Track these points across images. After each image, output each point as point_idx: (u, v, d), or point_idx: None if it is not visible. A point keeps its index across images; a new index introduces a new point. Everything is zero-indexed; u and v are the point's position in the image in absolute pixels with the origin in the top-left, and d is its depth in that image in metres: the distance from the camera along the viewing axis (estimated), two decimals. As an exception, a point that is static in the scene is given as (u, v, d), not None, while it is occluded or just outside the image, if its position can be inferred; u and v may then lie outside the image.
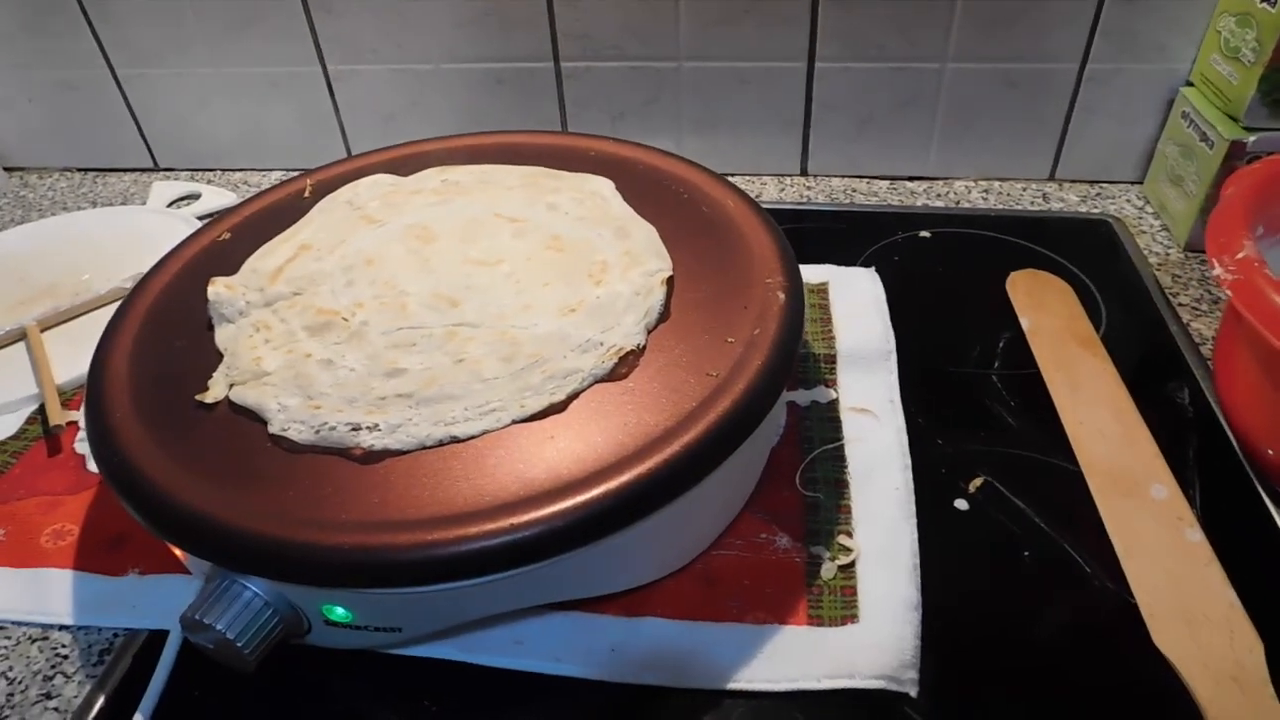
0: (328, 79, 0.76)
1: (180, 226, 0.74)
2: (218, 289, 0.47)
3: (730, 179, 0.55)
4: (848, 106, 0.71)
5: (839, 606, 0.41)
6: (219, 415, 0.41)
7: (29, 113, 0.84)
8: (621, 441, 0.38)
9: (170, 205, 0.79)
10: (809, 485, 0.47)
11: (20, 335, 0.63)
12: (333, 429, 0.39)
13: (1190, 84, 0.66)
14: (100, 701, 0.40)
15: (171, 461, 0.38)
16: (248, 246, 0.52)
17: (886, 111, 0.71)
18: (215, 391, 0.42)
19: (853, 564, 0.43)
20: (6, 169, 0.87)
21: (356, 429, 0.38)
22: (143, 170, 0.86)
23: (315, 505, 0.36)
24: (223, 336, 0.45)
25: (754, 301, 0.45)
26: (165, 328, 0.47)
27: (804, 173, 0.76)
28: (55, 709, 0.40)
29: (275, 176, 0.82)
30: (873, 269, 0.62)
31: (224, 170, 0.84)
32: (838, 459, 0.49)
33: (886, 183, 0.74)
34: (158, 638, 0.42)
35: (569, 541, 0.35)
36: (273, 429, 0.39)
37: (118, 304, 0.65)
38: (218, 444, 0.39)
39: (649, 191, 0.54)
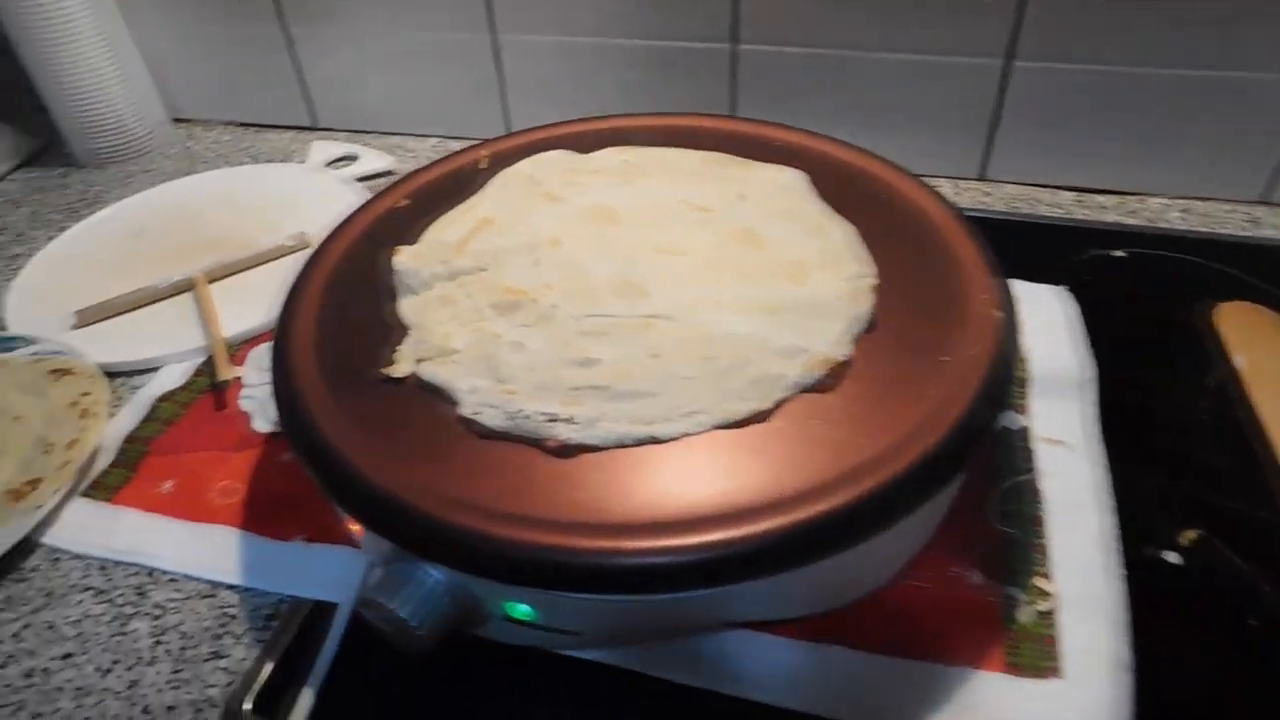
0: (496, 47, 0.75)
1: (339, 188, 0.74)
2: (405, 259, 0.46)
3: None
4: (1042, 109, 0.66)
5: (1040, 656, 0.38)
6: (407, 391, 0.40)
7: (200, 67, 0.86)
8: (833, 460, 0.35)
9: (329, 165, 0.79)
10: (1001, 519, 0.44)
11: (188, 286, 0.64)
12: (527, 417, 0.37)
13: None
14: (267, 669, 0.39)
15: (361, 436, 0.37)
16: (424, 215, 0.51)
17: (1083, 117, 0.66)
18: (403, 366, 0.40)
19: (1052, 611, 0.39)
20: (175, 121, 0.89)
21: (553, 419, 0.37)
22: (301, 129, 0.87)
23: (510, 497, 0.34)
24: (407, 308, 0.44)
25: (966, 318, 0.41)
26: (347, 294, 0.46)
27: (982, 177, 0.71)
28: (224, 669, 0.40)
29: (431, 143, 0.82)
30: (1064, 288, 0.58)
31: (380, 133, 0.84)
32: (1031, 492, 0.45)
33: (1073, 194, 0.69)
34: (323, 608, 0.42)
35: (776, 564, 0.33)
36: (463, 411, 0.38)
37: (282, 260, 0.66)
38: (406, 421, 0.38)
39: (839, 188, 0.51)
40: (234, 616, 0.42)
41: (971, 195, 0.70)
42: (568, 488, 0.35)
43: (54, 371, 0.55)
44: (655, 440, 0.36)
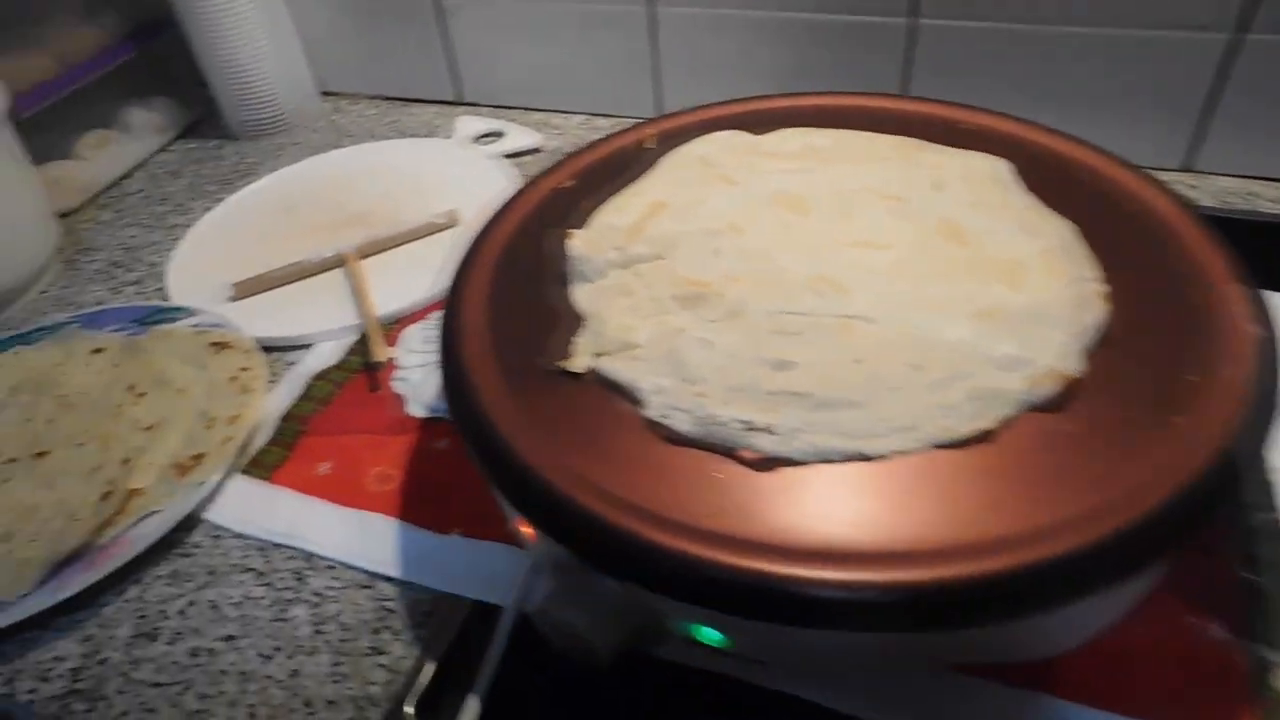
0: (653, 19, 0.71)
1: (487, 164, 0.72)
2: (579, 244, 0.43)
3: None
4: (1274, 91, 0.58)
5: (1305, 733, 0.33)
6: (586, 387, 0.37)
7: (349, 40, 0.86)
8: (1069, 494, 0.30)
9: (474, 141, 0.77)
10: (1244, 564, 0.38)
11: (340, 261, 0.63)
12: (722, 424, 0.34)
13: None
14: (429, 671, 0.38)
15: (539, 435, 0.35)
16: (592, 196, 0.48)
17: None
18: (581, 359, 0.38)
19: (1322, 682, 0.34)
20: (322, 94, 0.89)
21: (750, 428, 0.33)
22: (445, 103, 0.85)
23: (705, 513, 0.31)
24: (582, 296, 0.41)
25: (1216, 333, 0.36)
26: (516, 279, 0.44)
27: (1187, 168, 0.64)
28: (384, 666, 0.38)
29: (577, 120, 0.79)
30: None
31: (524, 109, 0.82)
32: (1277, 536, 0.39)
33: (1298, 190, 0.61)
34: (483, 608, 0.40)
35: (1004, 610, 0.29)
36: (649, 413, 0.35)
37: (431, 237, 0.65)
38: (586, 421, 0.35)
39: (1050, 180, 0.45)
40: (392, 611, 0.41)
41: (1174, 188, 0.63)
42: (768, 505, 0.31)
43: (214, 344, 0.55)
44: (863, 457, 0.32)
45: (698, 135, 0.52)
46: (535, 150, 0.75)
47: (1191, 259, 0.40)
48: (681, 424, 0.34)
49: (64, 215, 0.76)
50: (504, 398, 0.37)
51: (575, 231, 0.44)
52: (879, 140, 0.50)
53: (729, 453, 0.33)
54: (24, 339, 0.60)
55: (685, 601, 0.31)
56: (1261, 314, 0.37)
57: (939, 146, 0.48)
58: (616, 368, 0.37)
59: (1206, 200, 0.62)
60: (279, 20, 0.81)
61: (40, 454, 0.50)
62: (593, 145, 0.53)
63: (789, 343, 0.37)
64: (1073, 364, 0.35)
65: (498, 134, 0.78)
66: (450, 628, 0.39)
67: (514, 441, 0.35)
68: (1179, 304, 0.38)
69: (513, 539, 0.42)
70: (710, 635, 0.33)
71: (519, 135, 0.76)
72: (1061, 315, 0.37)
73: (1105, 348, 0.36)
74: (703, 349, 0.37)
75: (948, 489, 0.31)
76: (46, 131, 0.77)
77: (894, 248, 0.41)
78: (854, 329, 0.37)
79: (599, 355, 0.38)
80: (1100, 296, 0.37)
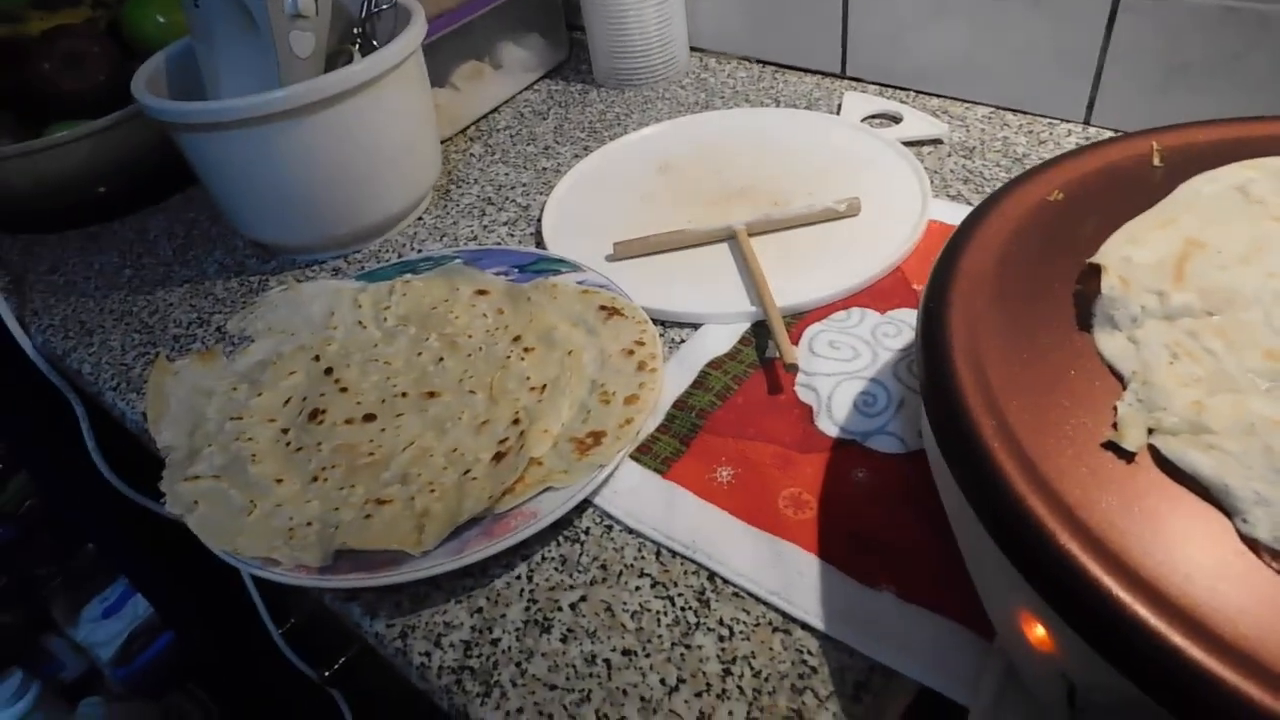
0: (1113, 7, 0.60)
1: (884, 149, 0.65)
2: (1114, 281, 0.35)
3: None
4: None
5: None
6: (1141, 471, 0.29)
7: (733, -5, 0.80)
8: None
9: (864, 121, 0.70)
10: None
11: (727, 235, 0.58)
12: (1380, 577, 0.25)
13: None
14: (869, 761, 0.32)
15: (1089, 529, 0.27)
16: (1089, 217, 0.40)
17: None
18: (1133, 434, 0.30)
19: None
20: (690, 49, 0.85)
21: None
22: (827, 75, 0.78)
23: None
24: (1114, 348, 0.33)
25: None
26: (1013, 308, 0.36)
27: None
28: (809, 738, 0.33)
29: (983, 113, 0.69)
30: None
31: (916, 92, 0.73)
32: None
33: None
34: (932, 698, 0.33)
35: None
36: (1250, 530, 0.27)
37: (826, 224, 0.59)
38: (1151, 519, 0.28)
39: None
40: (815, 670, 0.35)
41: None
42: None
43: (603, 308, 0.52)
44: None
45: (1220, 157, 0.42)
46: (937, 141, 0.66)
47: None
48: (1310, 560, 0.26)
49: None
50: (1026, 459, 0.30)
51: (1109, 267, 0.36)
52: None
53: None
54: (409, 266, 0.60)
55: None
56: None
57: None
58: (1192, 456, 0.29)
59: None
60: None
61: (430, 394, 0.49)
62: (1077, 153, 0.44)
63: None
64: None
65: (891, 117, 0.70)
66: (891, 712, 0.33)
67: (1052, 523, 0.27)
68: None
69: (964, 616, 0.35)
70: None
71: (918, 121, 0.68)
72: None
73: None
74: (1305, 457, 0.28)
75: None
76: (430, 59, 0.77)
77: None
78: None
79: (1155, 432, 0.30)
80: None
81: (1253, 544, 0.27)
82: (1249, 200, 0.39)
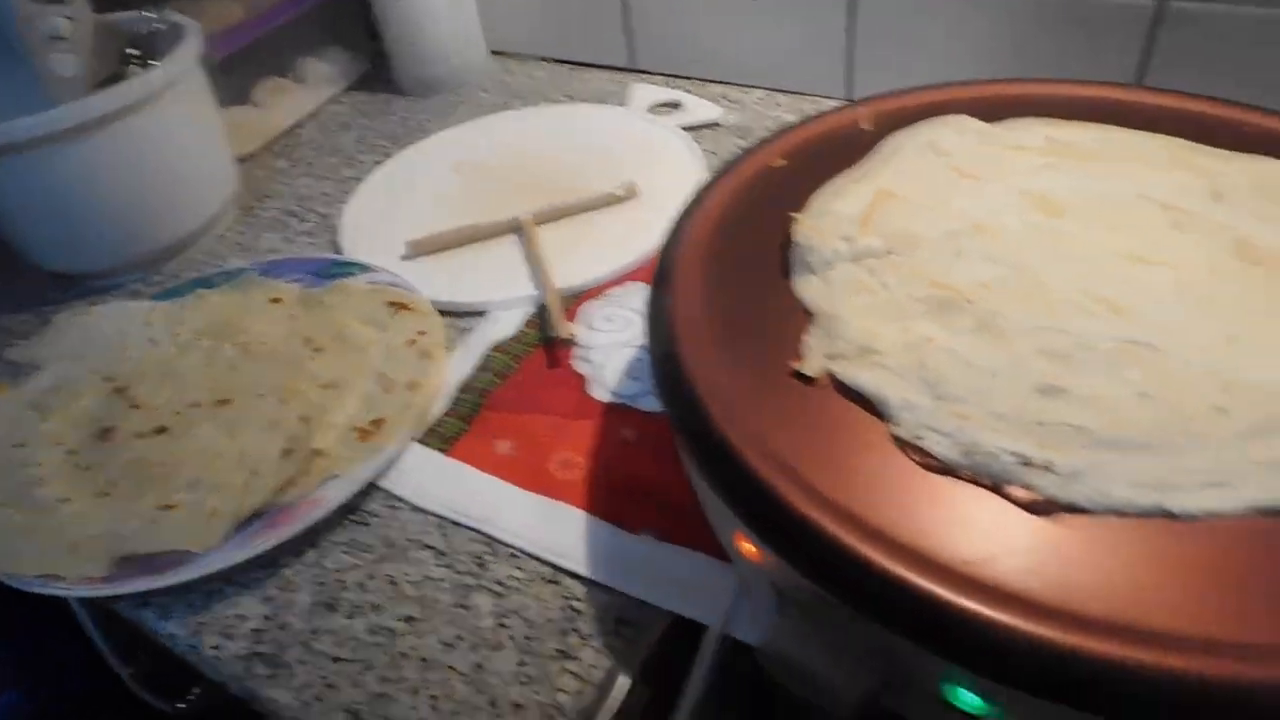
0: (852, -3, 0.66)
1: (665, 135, 0.69)
2: (807, 231, 0.39)
3: None
4: None
5: None
6: (819, 392, 0.33)
7: (522, 0, 0.83)
8: None
9: (650, 110, 0.74)
10: None
11: (514, 227, 0.61)
12: (991, 455, 0.29)
13: None
14: (622, 686, 0.35)
15: (775, 447, 0.31)
16: (805, 179, 0.44)
17: None
18: (814, 362, 0.34)
19: None
20: (491, 53, 0.88)
21: (1025, 463, 0.29)
22: (619, 69, 0.82)
23: (981, 560, 0.27)
24: (809, 289, 0.38)
25: None
26: (730, 264, 0.40)
27: None
28: (573, 673, 0.36)
29: (758, 95, 0.75)
30: None
31: (700, 80, 0.78)
32: None
33: None
34: (683, 623, 0.37)
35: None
36: (900, 432, 0.31)
37: (608, 209, 0.62)
38: (826, 432, 0.32)
39: (1355, 195, 0.39)
40: (580, 612, 0.38)
41: None
42: (1051, 559, 0.27)
43: (392, 304, 0.54)
44: (1167, 514, 0.28)
45: (920, 119, 0.47)
46: (715, 124, 0.71)
47: None
48: (940, 448, 0.30)
49: (240, 161, 0.77)
50: (727, 397, 0.33)
51: (801, 217, 0.40)
52: (1140, 138, 0.44)
53: (996, 489, 0.29)
54: (205, 283, 0.60)
55: (954, 661, 0.27)
56: None
57: (1217, 150, 0.42)
58: (859, 375, 0.33)
59: None
60: (457, -26, 0.79)
61: (222, 401, 0.50)
62: (801, 123, 0.49)
63: (1057, 366, 0.32)
64: None
65: (675, 104, 0.74)
66: (645, 640, 0.37)
67: (746, 453, 0.31)
68: None
69: (712, 548, 0.39)
70: (972, 703, 0.29)
71: (698, 107, 0.72)
72: (1397, 362, 0.31)
73: None
74: (957, 363, 0.33)
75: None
76: (228, 76, 0.77)
77: (1175, 266, 0.36)
78: (1135, 357, 0.32)
79: (833, 358, 0.34)
80: None
81: (902, 444, 0.31)
82: (938, 153, 0.45)
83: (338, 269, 0.59)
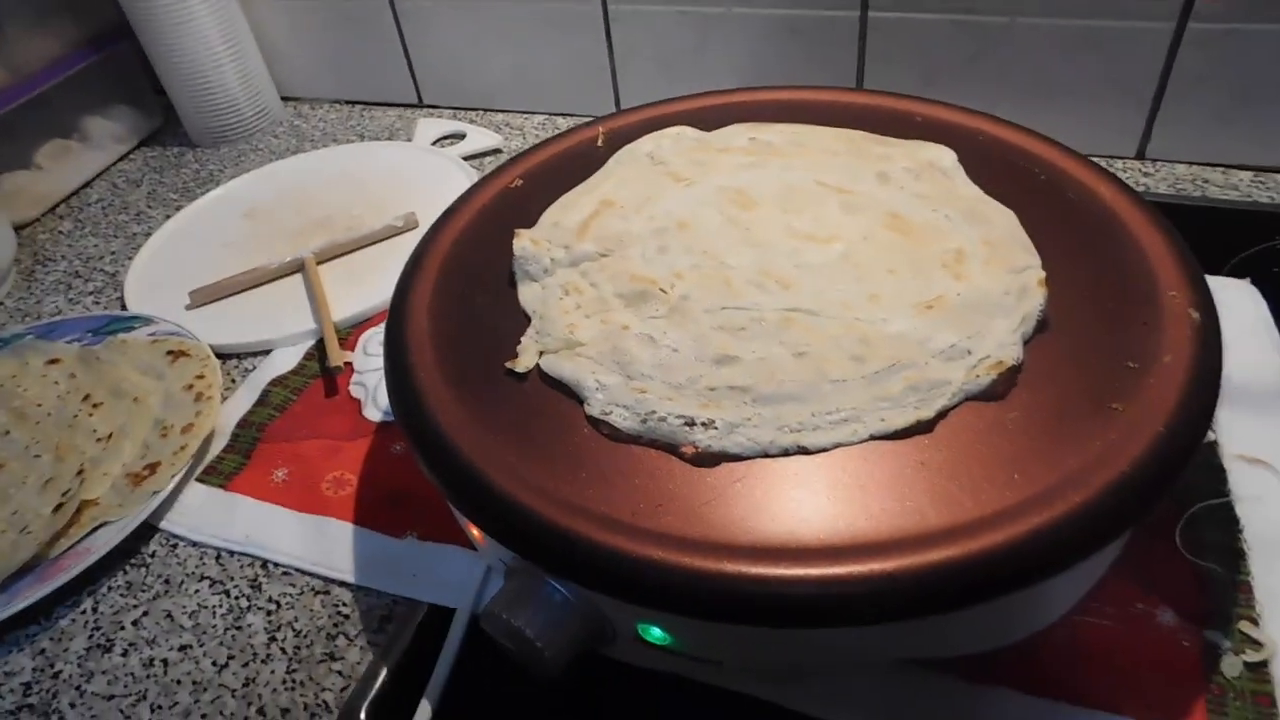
0: (606, 19, 0.71)
1: (447, 166, 0.72)
2: (524, 243, 0.43)
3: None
4: (1219, 78, 0.58)
5: (1252, 717, 0.33)
6: (531, 386, 0.37)
7: (309, 46, 0.85)
8: (1011, 482, 0.31)
9: (435, 143, 0.77)
10: (1194, 549, 0.38)
11: (298, 267, 0.63)
12: (662, 420, 0.34)
13: None
14: (383, 675, 0.38)
15: (483, 435, 0.35)
16: (541, 196, 0.48)
17: (1269, 86, 0.58)
18: (526, 359, 0.38)
19: (1266, 663, 0.34)
20: (283, 98, 0.89)
21: (689, 424, 0.33)
22: (407, 106, 0.85)
23: (646, 511, 0.31)
24: (528, 296, 0.41)
25: (1156, 318, 0.36)
26: (463, 280, 0.44)
27: (1141, 155, 0.64)
28: (339, 672, 0.38)
29: (538, 120, 0.79)
30: (1248, 281, 0.51)
31: (485, 110, 0.82)
32: (1228, 520, 0.40)
33: (1249, 174, 0.62)
34: (439, 612, 0.40)
35: (954, 599, 0.29)
36: (591, 410, 0.35)
37: (390, 240, 0.65)
38: (532, 420, 0.35)
39: (996, 169, 0.46)
40: (347, 616, 0.41)
41: (1129, 176, 0.63)
42: (709, 502, 0.31)
43: (171, 353, 0.55)
44: (804, 451, 0.33)
45: (646, 132, 0.52)
46: (496, 151, 0.75)
47: (1135, 246, 0.40)
48: (623, 421, 0.34)
49: (22, 227, 0.76)
50: (449, 400, 0.37)
51: (521, 231, 0.44)
52: (826, 134, 0.50)
53: (670, 449, 0.33)
54: (-21, 352, 0.59)
55: (625, 600, 0.31)
56: (1204, 300, 0.37)
57: (886, 138, 0.49)
58: (560, 365, 0.37)
59: (1161, 187, 0.62)
60: (236, 27, 0.81)
61: (-5, 468, 0.50)
62: (541, 145, 0.53)
63: (731, 338, 0.37)
64: (1012, 353, 0.35)
65: (458, 136, 0.77)
66: (406, 632, 0.39)
67: (458, 442, 0.34)
68: (1121, 291, 0.38)
69: (466, 541, 0.42)
70: (658, 635, 0.33)
71: (479, 136, 0.76)
72: (1002, 304, 0.37)
73: (1046, 336, 0.36)
74: (645, 346, 0.37)
75: (890, 481, 0.31)
76: (3, 142, 0.76)
77: (840, 241, 0.41)
78: (796, 322, 0.37)
79: (544, 354, 0.38)
80: (1040, 284, 0.38)
81: (594, 421, 0.35)
82: (655, 162, 0.49)
83: (117, 324, 0.59)
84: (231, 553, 0.44)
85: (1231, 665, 0.34)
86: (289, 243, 0.66)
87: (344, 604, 0.41)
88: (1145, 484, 0.31)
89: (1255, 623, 0.35)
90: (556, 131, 0.77)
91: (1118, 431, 0.32)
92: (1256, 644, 0.35)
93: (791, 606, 0.29)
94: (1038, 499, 0.30)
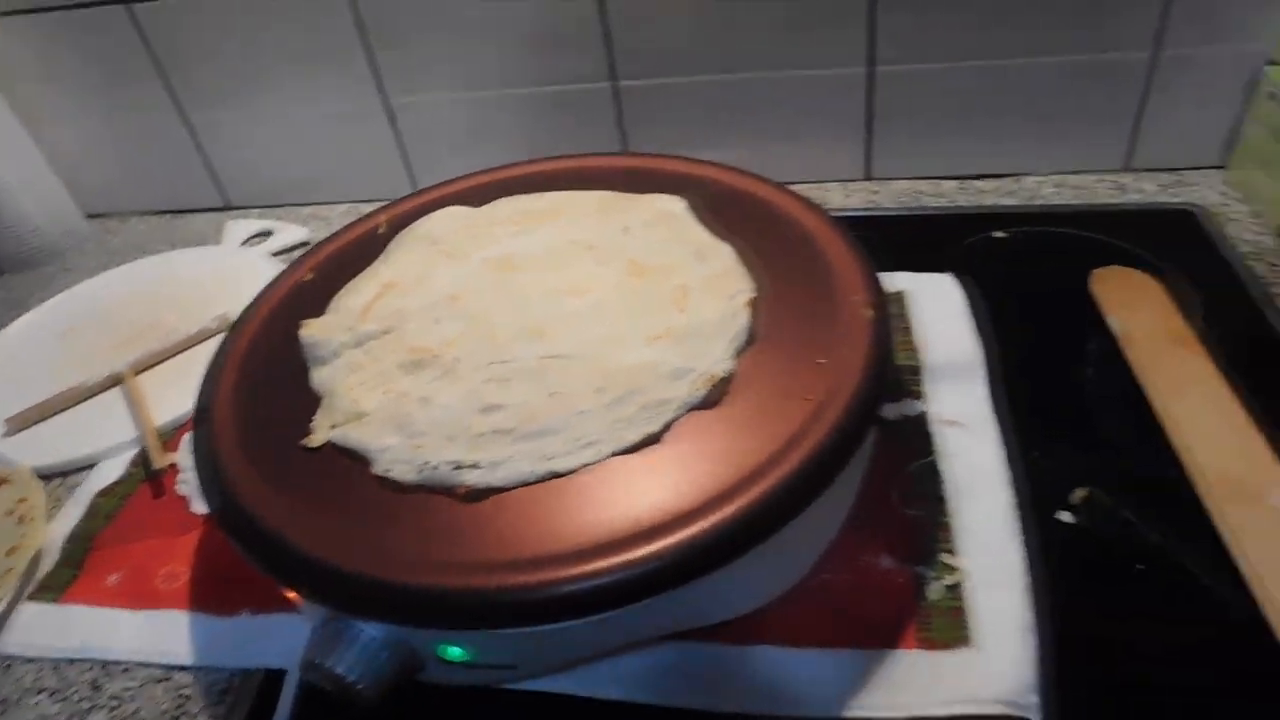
0: (389, 111, 0.77)
1: (256, 263, 0.76)
2: (310, 331, 0.48)
3: (795, 187, 0.54)
4: (910, 108, 0.70)
5: (950, 629, 0.41)
6: (325, 457, 0.42)
7: (108, 161, 0.87)
8: (724, 470, 0.37)
9: (244, 243, 0.81)
10: (907, 503, 0.47)
11: (117, 380, 0.65)
12: (435, 468, 0.39)
13: (1276, 63, 0.63)
14: (226, 742, 0.41)
15: (284, 507, 0.39)
16: (332, 285, 0.53)
17: (951, 111, 0.70)
18: (319, 435, 0.42)
19: (959, 584, 0.42)
20: (89, 216, 0.90)
21: (459, 467, 0.39)
22: (216, 210, 0.88)
23: (427, 546, 0.36)
24: (319, 378, 0.46)
25: (840, 320, 0.44)
26: (263, 371, 0.48)
27: (869, 176, 0.75)
28: (183, 750, 0.41)
29: (342, 210, 0.84)
30: (950, 275, 0.61)
31: (293, 205, 0.86)
32: (933, 475, 0.48)
33: (955, 183, 0.73)
34: (277, 676, 0.43)
35: (682, 576, 0.35)
36: (376, 469, 0.40)
37: (206, 343, 0.68)
38: (325, 486, 0.40)
39: (722, 209, 0.54)
40: (189, 696, 0.44)
41: (862, 195, 0.74)
42: (481, 529, 0.37)
43: (-10, 483, 0.56)
44: (556, 474, 0.39)
45: (423, 215, 0.58)
46: (304, 244, 0.79)
47: (825, 260, 0.48)
48: (403, 474, 0.40)
49: None
50: (254, 481, 0.41)
51: (308, 321, 0.49)
52: (583, 197, 0.57)
53: (447, 491, 0.39)
54: None
55: (420, 626, 0.36)
56: (877, 299, 0.46)
57: (630, 195, 0.56)
58: (347, 435, 0.42)
59: (887, 201, 0.73)
60: (22, 151, 0.82)
61: None
62: (330, 239, 0.58)
63: (498, 388, 0.43)
64: (724, 366, 0.42)
65: (267, 233, 0.81)
66: (245, 701, 0.43)
67: (260, 512, 0.39)
68: (816, 299, 0.46)
69: (295, 607, 0.46)
70: (456, 654, 0.38)
71: (286, 231, 0.80)
72: (719, 326, 0.44)
73: (756, 348, 0.44)
74: (421, 407, 0.42)
75: (628, 487, 0.38)
76: None
77: (593, 291, 0.48)
78: (551, 367, 0.43)
79: (334, 427, 0.43)
80: (746, 304, 0.45)
81: (380, 480, 0.40)
82: (431, 242, 0.55)
83: (-68, 463, 0.60)
84: (70, 660, 0.47)
85: (935, 591, 0.42)
86: (106, 358, 0.68)
87: (185, 686, 0.44)
88: (831, 457, 0.38)
89: (953, 553, 0.44)
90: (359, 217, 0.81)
91: (809, 418, 0.39)
92: (953, 570, 0.43)
93: (545, 605, 0.35)
94: (747, 480, 0.37)
